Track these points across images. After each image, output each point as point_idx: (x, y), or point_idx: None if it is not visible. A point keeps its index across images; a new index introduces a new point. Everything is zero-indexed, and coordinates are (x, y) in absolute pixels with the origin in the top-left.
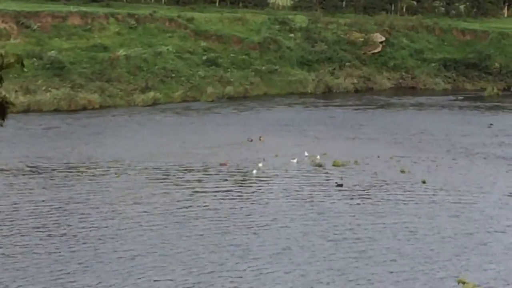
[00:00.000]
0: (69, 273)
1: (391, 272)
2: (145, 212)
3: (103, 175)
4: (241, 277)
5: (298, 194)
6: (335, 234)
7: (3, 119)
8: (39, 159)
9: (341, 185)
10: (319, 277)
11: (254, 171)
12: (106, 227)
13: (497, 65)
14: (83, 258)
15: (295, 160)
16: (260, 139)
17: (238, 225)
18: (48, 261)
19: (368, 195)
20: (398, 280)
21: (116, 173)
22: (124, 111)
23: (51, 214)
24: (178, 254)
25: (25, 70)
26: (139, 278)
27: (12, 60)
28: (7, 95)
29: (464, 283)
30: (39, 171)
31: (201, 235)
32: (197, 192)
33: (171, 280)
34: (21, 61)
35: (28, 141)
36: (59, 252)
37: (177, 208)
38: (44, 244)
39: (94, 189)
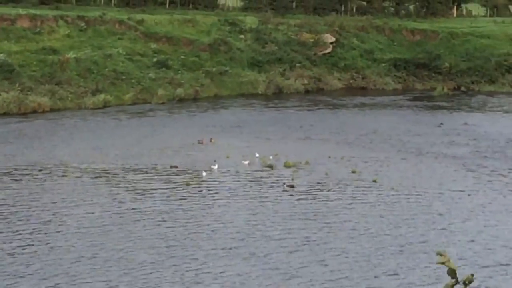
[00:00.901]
0: (6, 275)
1: (332, 271)
2: (88, 213)
3: (49, 177)
4: (178, 276)
5: (247, 195)
6: (281, 234)
7: None
8: None
9: (292, 186)
10: (258, 276)
11: (204, 173)
12: (46, 229)
13: (446, 64)
14: (21, 261)
15: (246, 162)
16: (211, 141)
17: (182, 226)
18: None
19: (318, 195)
20: (333, 278)
21: (65, 174)
22: (75, 114)
23: None
24: (115, 255)
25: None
26: (74, 280)
27: None
28: None
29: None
30: None
31: (140, 236)
32: (143, 193)
33: (105, 281)
34: None
35: None
36: None
37: (121, 210)
38: None
39: (37, 192)
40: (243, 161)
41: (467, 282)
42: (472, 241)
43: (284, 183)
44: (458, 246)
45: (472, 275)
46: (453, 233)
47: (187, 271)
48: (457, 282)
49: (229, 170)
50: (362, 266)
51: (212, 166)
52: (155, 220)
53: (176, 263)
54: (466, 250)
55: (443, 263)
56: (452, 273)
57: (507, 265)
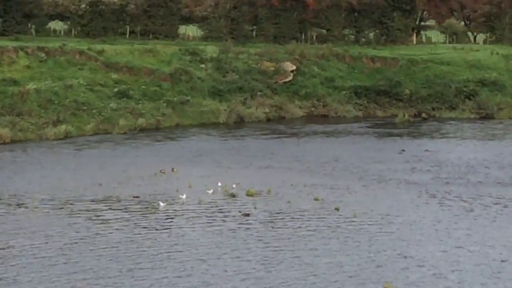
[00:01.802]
0: None
1: None
2: (36, 245)
3: (4, 208)
4: None
5: (207, 224)
6: (235, 261)
7: None
8: None
9: (247, 215)
10: None
11: (162, 204)
12: None
13: (407, 91)
14: None
15: (211, 191)
16: (173, 171)
17: (135, 254)
18: None
19: (280, 223)
20: None
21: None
22: (36, 145)
23: None
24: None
25: None
26: None
27: None
28: None
29: None
30: None
31: (91, 266)
32: (100, 223)
33: None
34: None
35: None
36: None
37: (72, 241)
38: None
39: None
40: (207, 190)
41: None
42: (425, 266)
43: (239, 211)
44: (413, 271)
45: None
46: (411, 259)
47: None
48: None
49: (192, 200)
50: None
51: (180, 196)
52: (109, 249)
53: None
54: (420, 276)
55: None
56: None
57: None
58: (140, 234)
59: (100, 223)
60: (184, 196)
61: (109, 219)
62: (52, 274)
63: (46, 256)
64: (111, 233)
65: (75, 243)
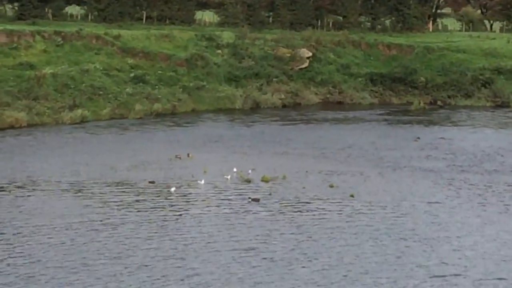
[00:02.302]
0: None
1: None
2: (56, 226)
3: (20, 191)
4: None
5: (221, 209)
6: (246, 245)
7: None
8: None
9: (257, 200)
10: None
11: (173, 189)
12: (17, 242)
13: (423, 79)
14: None
15: (228, 177)
16: (188, 156)
17: (150, 238)
18: None
19: (294, 210)
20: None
21: (9, 191)
22: (52, 129)
23: None
24: (79, 262)
25: None
26: None
27: None
28: None
29: None
30: None
31: (106, 246)
32: (114, 207)
33: None
34: None
35: None
36: None
37: (90, 222)
38: None
39: (7, 205)
40: (225, 176)
41: None
42: (454, 250)
43: (249, 197)
44: (433, 257)
45: None
46: (430, 245)
47: (144, 281)
48: None
49: (207, 185)
50: (340, 280)
51: (198, 182)
52: (124, 232)
53: (135, 272)
54: (441, 263)
55: None
56: None
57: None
58: (153, 218)
59: (114, 206)
60: (202, 182)
61: (123, 203)
62: (68, 253)
63: (62, 237)
64: (125, 215)
65: (90, 224)
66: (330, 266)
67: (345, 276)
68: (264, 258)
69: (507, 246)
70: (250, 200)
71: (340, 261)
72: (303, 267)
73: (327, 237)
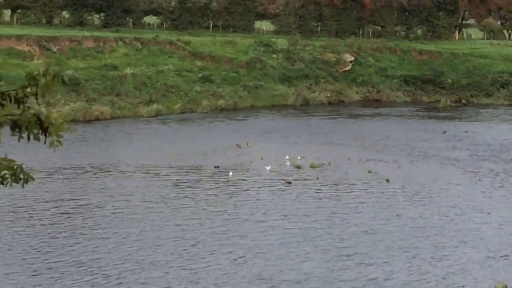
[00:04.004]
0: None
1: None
2: (132, 205)
3: (108, 174)
4: (188, 265)
5: (277, 191)
6: (298, 224)
7: (45, 135)
8: (61, 161)
9: (290, 182)
10: (255, 263)
11: (231, 173)
12: (110, 218)
13: (449, 80)
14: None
15: (268, 168)
16: (247, 145)
17: (215, 215)
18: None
19: (339, 191)
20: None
21: (94, 174)
22: (131, 121)
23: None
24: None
25: (69, 74)
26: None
27: (49, 78)
28: (52, 110)
29: None
30: (66, 172)
31: (180, 223)
32: (186, 188)
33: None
34: (61, 77)
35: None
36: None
37: (159, 200)
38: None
39: (96, 187)
40: (286, 162)
41: None
42: (466, 228)
43: (283, 180)
44: (460, 235)
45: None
46: (452, 223)
47: (201, 258)
48: None
49: (263, 170)
50: (381, 246)
51: (266, 167)
52: (196, 209)
53: (196, 252)
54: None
55: None
56: None
57: None
58: (217, 196)
59: (184, 187)
60: (268, 168)
61: (191, 184)
62: (145, 226)
63: (145, 213)
64: (193, 193)
65: (164, 202)
66: (365, 227)
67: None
68: (315, 221)
69: None
70: (284, 182)
71: (372, 227)
72: (351, 226)
73: (365, 211)
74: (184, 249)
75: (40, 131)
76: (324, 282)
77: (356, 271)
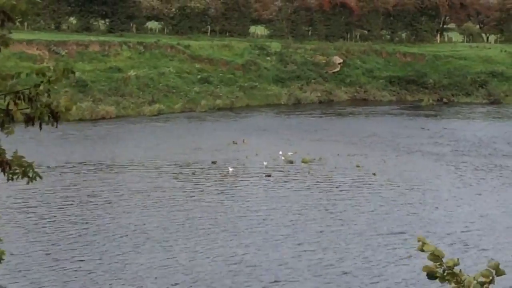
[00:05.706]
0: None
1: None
2: (136, 199)
3: (112, 170)
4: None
5: (272, 184)
6: (291, 216)
7: (56, 121)
8: (70, 157)
9: (269, 175)
10: (243, 252)
11: (230, 169)
12: (110, 210)
13: (431, 81)
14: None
15: (265, 163)
16: (243, 141)
17: (209, 205)
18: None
19: (330, 184)
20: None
21: (101, 170)
22: (135, 120)
23: (79, 202)
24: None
25: (76, 76)
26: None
27: (59, 74)
28: (61, 103)
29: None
30: (68, 168)
31: (177, 213)
32: (185, 181)
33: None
34: (70, 71)
35: (59, 144)
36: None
37: (165, 194)
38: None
39: (101, 182)
40: (281, 157)
41: (452, 265)
42: (450, 216)
43: (264, 173)
44: (443, 222)
45: (458, 259)
46: (437, 210)
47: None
48: (441, 266)
49: (257, 164)
50: (361, 232)
51: (264, 163)
52: (193, 201)
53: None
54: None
55: (422, 250)
56: (434, 257)
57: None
58: (213, 190)
59: (182, 181)
60: (265, 163)
61: (190, 178)
62: (150, 215)
63: (144, 205)
64: (194, 186)
65: (165, 195)
66: (353, 218)
67: (361, 221)
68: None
69: (495, 206)
70: (264, 176)
71: (359, 216)
72: (340, 216)
73: (353, 203)
74: (186, 237)
75: (51, 118)
76: (315, 272)
77: (340, 261)
